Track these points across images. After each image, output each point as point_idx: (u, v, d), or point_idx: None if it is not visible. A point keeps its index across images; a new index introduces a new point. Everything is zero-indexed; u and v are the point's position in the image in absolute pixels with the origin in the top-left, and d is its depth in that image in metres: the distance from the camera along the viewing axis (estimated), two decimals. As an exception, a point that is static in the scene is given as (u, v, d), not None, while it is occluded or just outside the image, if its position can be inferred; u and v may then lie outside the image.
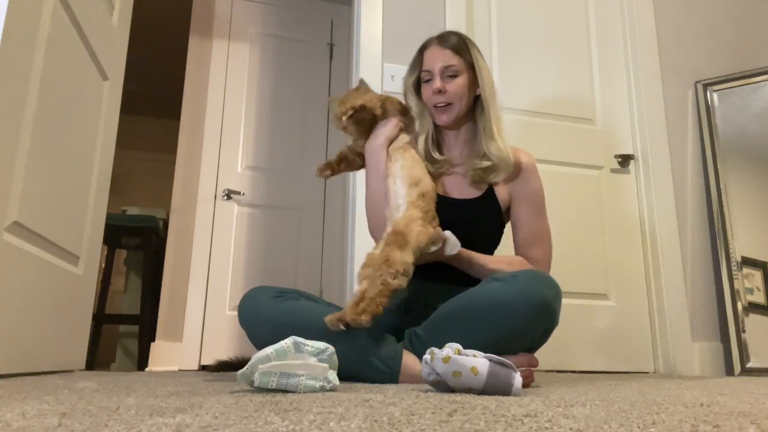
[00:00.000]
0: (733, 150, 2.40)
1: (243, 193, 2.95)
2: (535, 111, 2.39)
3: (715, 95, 2.49)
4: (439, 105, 1.45)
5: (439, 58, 1.44)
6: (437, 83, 1.43)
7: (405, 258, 1.18)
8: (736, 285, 2.25)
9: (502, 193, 1.48)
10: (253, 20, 3.18)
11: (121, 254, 3.34)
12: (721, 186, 2.36)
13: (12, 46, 1.21)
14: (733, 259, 2.28)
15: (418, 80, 1.51)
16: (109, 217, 2.03)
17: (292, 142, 3.13)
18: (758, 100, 2.43)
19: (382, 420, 0.56)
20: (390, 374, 1.21)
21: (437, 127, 1.53)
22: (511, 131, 2.33)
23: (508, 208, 1.50)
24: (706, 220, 2.42)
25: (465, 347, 0.94)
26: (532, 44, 2.45)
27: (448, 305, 1.27)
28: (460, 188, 1.49)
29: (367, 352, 1.21)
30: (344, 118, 1.38)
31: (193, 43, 3.03)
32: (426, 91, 1.48)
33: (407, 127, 1.48)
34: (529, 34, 2.46)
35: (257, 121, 3.08)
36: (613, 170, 2.43)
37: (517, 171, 1.48)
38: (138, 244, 3.08)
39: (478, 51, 1.49)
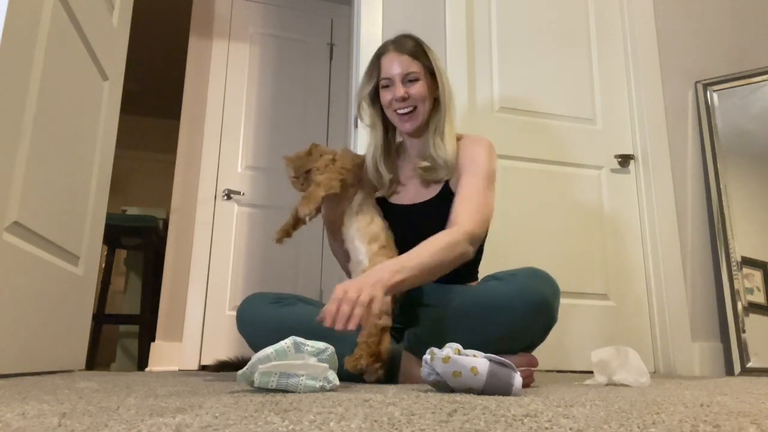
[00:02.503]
0: (733, 150, 2.40)
1: (243, 193, 2.95)
2: (535, 111, 2.39)
3: (715, 95, 2.49)
4: (403, 111, 1.43)
5: (397, 65, 1.41)
6: (399, 90, 1.41)
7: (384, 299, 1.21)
8: (736, 285, 2.25)
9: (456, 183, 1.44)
10: (253, 20, 3.18)
11: (121, 254, 3.34)
12: (721, 186, 2.36)
13: (12, 46, 1.21)
14: (733, 259, 2.28)
15: (375, 88, 1.48)
16: (109, 217, 2.03)
17: (292, 142, 3.12)
18: (758, 100, 2.43)
19: (382, 420, 0.56)
20: (390, 374, 1.21)
21: (396, 137, 1.53)
22: (512, 131, 2.34)
23: None
24: (706, 220, 2.42)
25: (465, 347, 0.94)
26: (532, 44, 2.45)
27: (447, 305, 1.27)
28: (415, 193, 1.47)
29: None
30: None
31: (193, 43, 3.02)
32: (386, 97, 1.45)
33: (359, 182, 1.47)
34: (529, 33, 2.46)
35: (257, 121, 3.08)
36: (613, 170, 2.43)
37: (470, 147, 1.44)
38: (138, 244, 3.08)
39: (435, 54, 1.47)
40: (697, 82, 2.54)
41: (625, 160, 2.42)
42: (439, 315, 1.27)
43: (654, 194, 2.37)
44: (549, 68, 2.44)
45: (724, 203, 2.34)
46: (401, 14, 2.30)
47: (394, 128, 1.54)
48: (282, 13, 3.25)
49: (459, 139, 1.48)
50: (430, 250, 1.19)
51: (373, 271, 1.12)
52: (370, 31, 2.24)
